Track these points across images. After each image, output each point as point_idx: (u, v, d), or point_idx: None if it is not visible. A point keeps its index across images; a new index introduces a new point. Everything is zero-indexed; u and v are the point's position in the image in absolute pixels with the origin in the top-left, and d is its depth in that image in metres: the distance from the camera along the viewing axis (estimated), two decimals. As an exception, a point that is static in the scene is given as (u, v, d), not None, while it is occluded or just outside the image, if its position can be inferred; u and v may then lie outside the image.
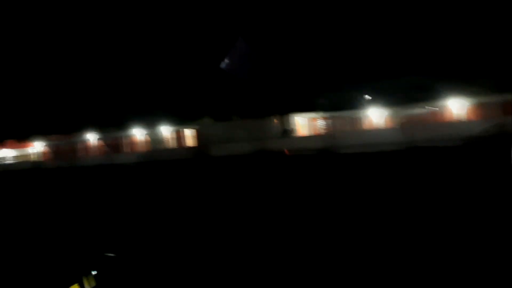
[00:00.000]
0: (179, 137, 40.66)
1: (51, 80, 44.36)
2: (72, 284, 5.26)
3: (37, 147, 47.29)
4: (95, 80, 42.74)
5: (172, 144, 39.78)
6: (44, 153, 46.48)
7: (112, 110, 40.43)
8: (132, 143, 40.50)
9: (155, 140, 39.42)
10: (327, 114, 33.59)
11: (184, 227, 12.50)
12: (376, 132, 29.29)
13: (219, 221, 12.80)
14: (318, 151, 27.79)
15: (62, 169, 38.84)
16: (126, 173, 32.92)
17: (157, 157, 33.95)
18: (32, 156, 50.35)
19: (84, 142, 42.96)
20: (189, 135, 41.41)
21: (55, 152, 44.74)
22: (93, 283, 5.51)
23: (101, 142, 41.90)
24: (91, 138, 42.51)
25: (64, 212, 17.43)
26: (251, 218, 12.76)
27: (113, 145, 41.01)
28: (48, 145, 45.93)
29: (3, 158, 52.06)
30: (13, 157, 52.45)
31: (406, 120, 29.35)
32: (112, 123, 40.84)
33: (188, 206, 17.03)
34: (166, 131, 40.05)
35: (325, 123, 33.96)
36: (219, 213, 14.11)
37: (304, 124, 34.63)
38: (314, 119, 34.87)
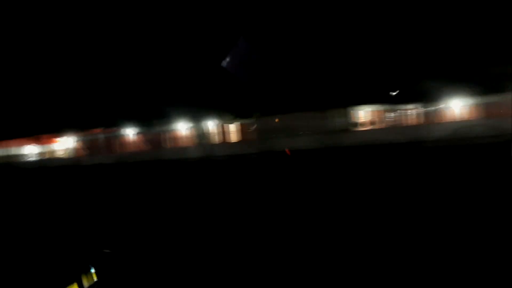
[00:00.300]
0: (224, 132, 38.32)
1: (85, 72, 41.90)
2: (71, 283, 4.76)
3: (68, 142, 44.73)
4: (131, 71, 40.27)
5: (219, 138, 37.43)
6: (76, 149, 43.94)
7: (153, 103, 37.94)
8: (174, 138, 38.04)
9: (201, 135, 36.97)
10: (394, 107, 31.29)
11: (245, 227, 10.55)
12: (457, 124, 26.96)
13: (285, 222, 10.80)
14: (397, 144, 25.51)
15: (101, 165, 36.41)
16: (178, 170, 30.55)
17: (212, 152, 31.50)
18: (60, 152, 47.98)
19: (122, 137, 40.49)
20: (234, 130, 39.09)
21: (89, 147, 42.20)
22: (92, 280, 5.03)
23: (141, 137, 39.41)
24: (129, 132, 40.04)
25: (103, 211, 15.38)
26: (323, 220, 10.63)
27: (153, 140, 38.54)
28: (81, 140, 43.38)
29: (29, 154, 49.67)
30: (39, 153, 50.12)
31: (493, 110, 26.99)
32: (152, 116, 38.39)
33: (252, 205, 14.73)
34: (211, 125, 37.68)
35: (392, 115, 31.64)
36: (289, 213, 12.04)
37: (368, 117, 32.26)
38: (379, 111, 32.52)
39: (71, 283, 4.63)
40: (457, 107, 28.62)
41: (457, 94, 28.23)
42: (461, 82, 28.17)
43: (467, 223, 8.85)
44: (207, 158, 31.49)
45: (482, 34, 29.23)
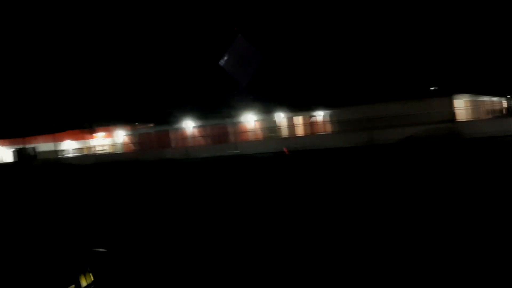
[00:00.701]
0: (293, 125, 35.59)
1: (143, 62, 39.14)
2: (69, 285, 4.65)
3: (119, 137, 41.87)
4: (192, 61, 37.49)
5: (289, 132, 34.69)
6: (126, 144, 41.08)
7: (216, 94, 35.16)
8: (240, 132, 35.19)
9: (271, 128, 34.17)
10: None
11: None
12: None
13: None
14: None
15: (160, 162, 33.50)
16: (267, 165, 27.67)
17: (298, 145, 28.69)
18: (102, 148, 45.27)
19: (178, 131, 37.56)
20: (301, 123, 36.41)
21: (141, 142, 39.30)
22: (90, 280, 4.89)
23: (201, 131, 36.55)
24: (187, 126, 37.08)
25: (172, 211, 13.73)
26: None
27: (217, 134, 35.69)
28: (133, 135, 40.51)
29: (69, 150, 46.97)
30: (77, 149, 47.38)
31: None
32: (215, 108, 35.61)
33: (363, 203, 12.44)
34: (280, 118, 34.95)
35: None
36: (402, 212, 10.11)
37: (463, 107, 29.48)
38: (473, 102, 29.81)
39: (69, 284, 4.62)
40: None
41: None
42: None
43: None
44: (297, 151, 28.77)
45: None
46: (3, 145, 47.23)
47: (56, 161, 39.45)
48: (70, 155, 44.90)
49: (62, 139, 47.57)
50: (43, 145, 46.78)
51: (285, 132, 34.59)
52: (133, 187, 25.88)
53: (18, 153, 43.75)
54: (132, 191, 23.85)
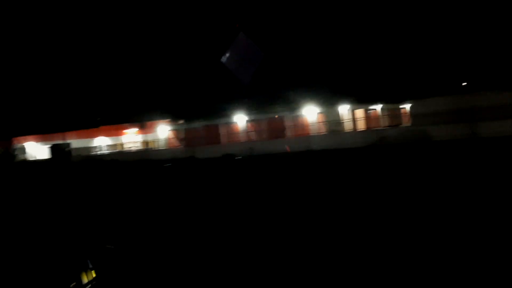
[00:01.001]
0: (354, 119, 33.06)
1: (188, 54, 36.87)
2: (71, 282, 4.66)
3: (163, 132, 39.44)
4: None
5: (354, 126, 32.21)
6: (170, 140, 38.67)
7: (269, 84, 32.70)
8: (298, 126, 32.71)
9: (334, 122, 31.65)
10: None
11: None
12: None
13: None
14: None
15: (225, 157, 30.80)
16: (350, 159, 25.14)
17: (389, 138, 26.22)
18: (140, 144, 42.92)
19: (228, 125, 35.12)
20: (361, 117, 33.93)
21: (188, 138, 36.82)
22: (91, 276, 4.80)
23: (255, 125, 34.07)
24: (239, 120, 34.62)
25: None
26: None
27: (274, 129, 33.23)
28: (178, 130, 38.07)
29: (102, 146, 44.66)
30: (112, 145, 45.04)
31: None
32: (272, 99, 33.16)
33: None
34: (343, 111, 32.42)
35: None
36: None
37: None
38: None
39: (71, 283, 4.50)
40: None
41: None
42: None
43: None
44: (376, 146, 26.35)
45: None
46: (35, 141, 45.07)
47: (98, 158, 37.07)
48: (110, 151, 42.56)
49: (95, 135, 45.33)
50: (75, 142, 44.54)
51: (349, 126, 32.13)
52: (197, 185, 23.15)
53: (54, 150, 41.40)
54: (194, 189, 21.20)
